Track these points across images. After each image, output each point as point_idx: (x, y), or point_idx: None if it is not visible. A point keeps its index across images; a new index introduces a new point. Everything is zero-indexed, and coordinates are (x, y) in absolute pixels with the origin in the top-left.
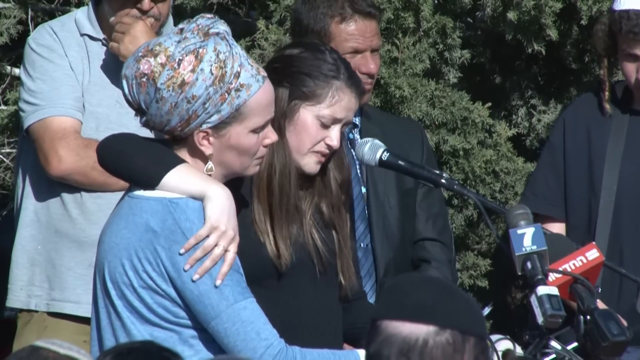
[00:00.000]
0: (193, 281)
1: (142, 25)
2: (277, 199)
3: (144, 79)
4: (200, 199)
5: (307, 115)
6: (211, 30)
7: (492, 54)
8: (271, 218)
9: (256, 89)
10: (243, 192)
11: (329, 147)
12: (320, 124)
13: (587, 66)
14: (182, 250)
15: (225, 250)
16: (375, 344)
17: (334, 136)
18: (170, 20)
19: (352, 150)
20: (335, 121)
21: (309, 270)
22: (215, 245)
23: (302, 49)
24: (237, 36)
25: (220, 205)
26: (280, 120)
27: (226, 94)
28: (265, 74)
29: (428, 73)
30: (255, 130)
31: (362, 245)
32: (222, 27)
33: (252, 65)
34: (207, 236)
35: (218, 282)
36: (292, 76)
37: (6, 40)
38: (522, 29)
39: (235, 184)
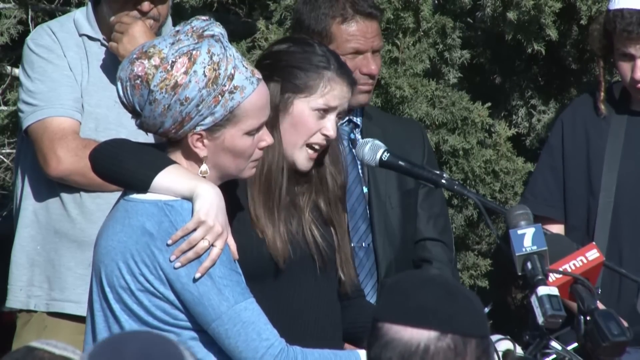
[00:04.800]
0: (194, 282)
1: (141, 25)
2: (268, 196)
3: (138, 81)
4: (190, 197)
5: (302, 107)
6: (205, 33)
7: (492, 54)
8: (266, 215)
9: (250, 91)
10: (240, 190)
11: (325, 137)
12: (315, 115)
13: (587, 66)
14: (169, 242)
15: (212, 245)
16: (376, 348)
17: (329, 126)
18: (169, 20)
19: (353, 150)
20: (330, 109)
21: (310, 267)
22: (202, 239)
23: (290, 44)
24: (237, 36)
25: (209, 201)
26: (274, 115)
27: (219, 96)
28: (260, 76)
29: (428, 73)
30: (250, 133)
31: (363, 245)
32: (217, 29)
33: (246, 67)
34: (195, 230)
35: (197, 275)
36: (282, 70)
37: (6, 40)
38: (521, 29)
39: (232, 182)
